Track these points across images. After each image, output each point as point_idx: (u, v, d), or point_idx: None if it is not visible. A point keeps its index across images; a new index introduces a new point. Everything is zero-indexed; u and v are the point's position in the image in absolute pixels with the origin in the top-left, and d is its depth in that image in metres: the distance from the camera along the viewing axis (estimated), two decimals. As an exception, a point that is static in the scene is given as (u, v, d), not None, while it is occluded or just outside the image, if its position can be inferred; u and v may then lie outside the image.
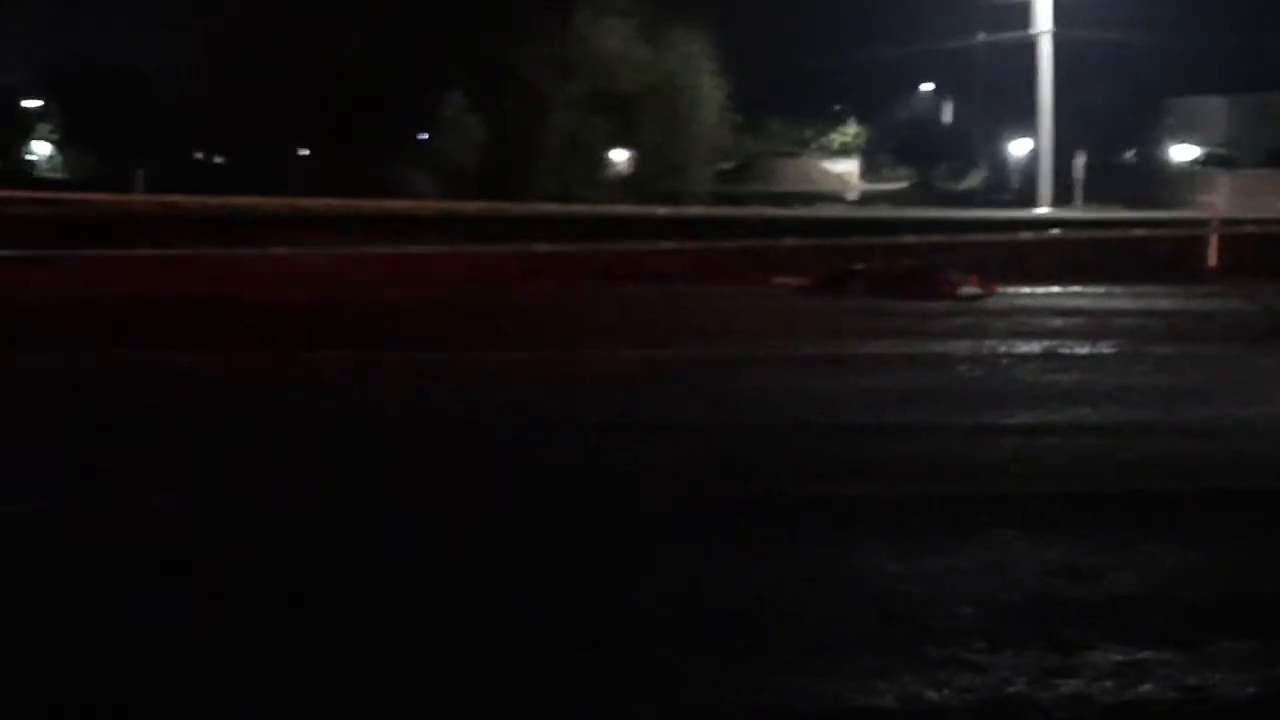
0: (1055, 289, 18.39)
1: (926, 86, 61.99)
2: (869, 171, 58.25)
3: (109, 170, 38.95)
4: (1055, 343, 12.90)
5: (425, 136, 41.11)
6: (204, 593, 5.23)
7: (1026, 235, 22.60)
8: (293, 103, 38.68)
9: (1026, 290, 18.05)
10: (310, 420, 8.75)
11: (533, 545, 5.91)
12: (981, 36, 43.54)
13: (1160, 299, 17.59)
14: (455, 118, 39.80)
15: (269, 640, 4.75)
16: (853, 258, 18.28)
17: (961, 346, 12.68)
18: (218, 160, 46.18)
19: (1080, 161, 43.75)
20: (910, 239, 19.19)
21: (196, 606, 5.06)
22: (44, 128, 51.57)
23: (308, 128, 40.27)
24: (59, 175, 47.74)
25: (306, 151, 42.71)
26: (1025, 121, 44.21)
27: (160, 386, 10.13)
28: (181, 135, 44.99)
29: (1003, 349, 12.57)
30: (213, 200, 21.14)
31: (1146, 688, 4.34)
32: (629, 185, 41.59)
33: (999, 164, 54.39)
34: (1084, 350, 12.46)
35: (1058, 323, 14.87)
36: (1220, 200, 26.28)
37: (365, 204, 21.39)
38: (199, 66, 40.75)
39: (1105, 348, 12.61)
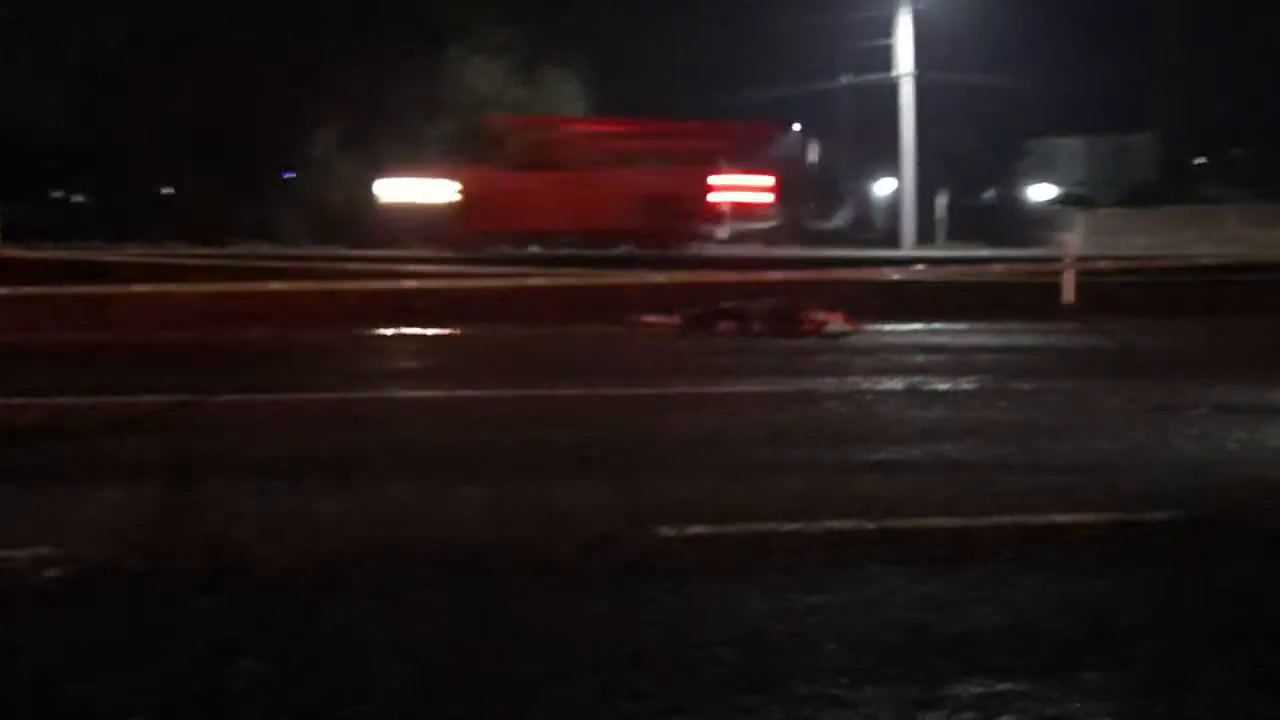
0: (918, 326, 18.71)
1: (794, 127, 62.81)
2: (738, 210, 58.74)
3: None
4: (919, 379, 13.10)
5: (293, 175, 40.71)
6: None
7: (890, 273, 23.01)
8: (156, 140, 38.04)
9: (890, 327, 18.34)
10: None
11: (395, 589, 5.82)
12: (845, 79, 44.32)
13: (1019, 335, 17.98)
14: (325, 157, 39.47)
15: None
16: (721, 296, 18.40)
17: (827, 383, 12.82)
18: (77, 199, 45.20)
19: (943, 201, 44.70)
20: (777, 276, 19.39)
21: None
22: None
23: (172, 166, 39.63)
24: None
25: (171, 190, 41.99)
26: (890, 162, 45.09)
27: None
28: (39, 173, 43.99)
29: (867, 385, 12.73)
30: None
31: (1005, 719, 4.39)
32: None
33: (864, 203, 55.32)
34: (946, 386, 12.67)
35: (921, 359, 15.11)
36: (1077, 239, 26.98)
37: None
38: (60, 103, 40.00)
39: (967, 384, 12.83)
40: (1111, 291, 20.63)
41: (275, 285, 17.50)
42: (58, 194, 45.98)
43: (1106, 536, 6.79)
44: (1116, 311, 19.35)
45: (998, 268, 22.18)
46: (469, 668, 4.86)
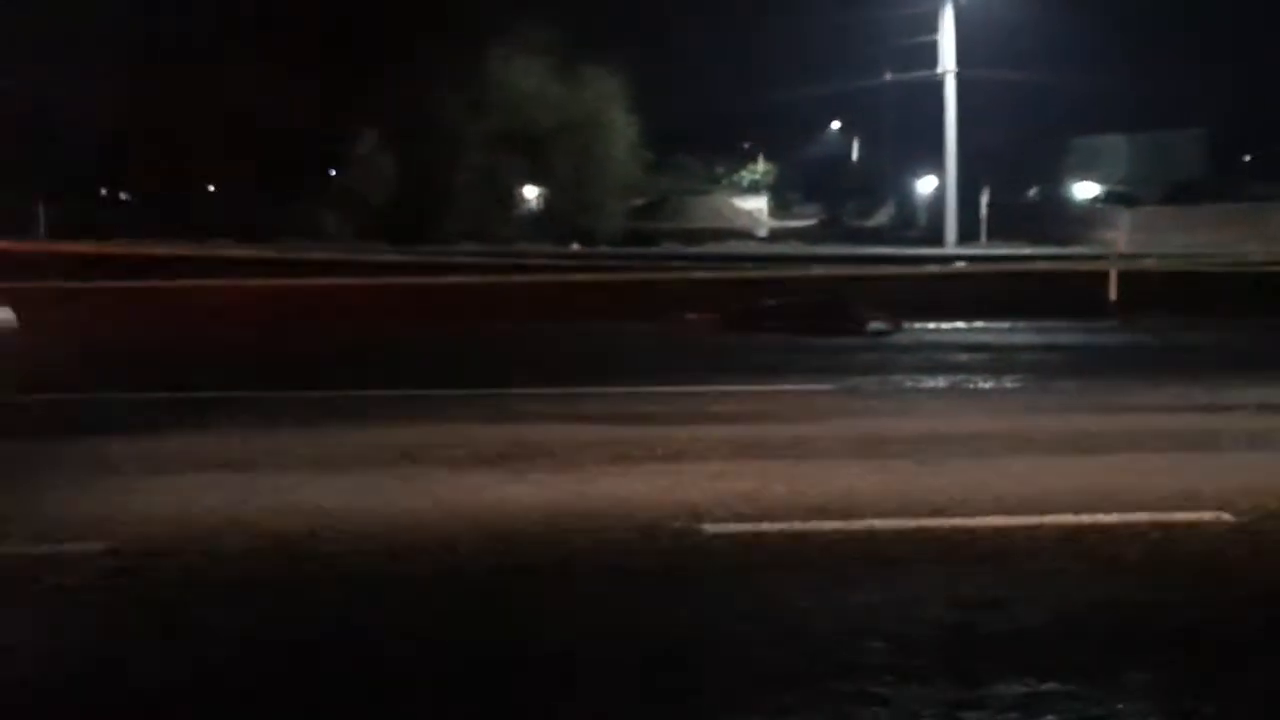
0: (961, 324, 18.65)
1: (835, 124, 62.69)
2: (779, 208, 58.71)
3: (9, 208, 38.28)
4: (961, 378, 13.07)
5: (336, 174, 40.93)
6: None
7: (933, 271, 22.94)
8: (201, 139, 38.34)
9: (933, 325, 18.29)
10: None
11: (439, 582, 5.87)
12: (888, 76, 44.14)
13: (1063, 334, 17.90)
14: (368, 156, 39.68)
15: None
16: (763, 293, 18.41)
17: (870, 382, 12.80)
18: (123, 197, 45.58)
19: (985, 199, 44.42)
20: (819, 273, 19.39)
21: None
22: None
23: (216, 164, 39.92)
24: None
25: (213, 189, 42.30)
26: (932, 159, 44.90)
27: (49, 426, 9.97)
28: (86, 172, 44.36)
29: (910, 384, 12.71)
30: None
31: (1050, 718, 4.39)
32: (542, 223, 41.66)
33: (906, 201, 55.09)
34: (989, 385, 12.64)
35: (964, 358, 15.07)
36: (1120, 236, 26.82)
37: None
38: (106, 102, 40.31)
39: (1010, 382, 12.79)
40: (1155, 289, 20.49)
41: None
42: (104, 191, 46.44)
43: (1150, 536, 6.76)
44: (1161, 309, 19.23)
45: (1041, 265, 22.07)
46: (506, 664, 4.90)
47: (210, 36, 39.39)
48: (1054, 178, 52.01)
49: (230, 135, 37.70)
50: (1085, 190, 51.74)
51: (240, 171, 38.73)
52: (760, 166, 60.04)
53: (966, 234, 42.86)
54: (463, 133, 39.72)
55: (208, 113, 37.74)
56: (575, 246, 35.95)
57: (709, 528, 6.79)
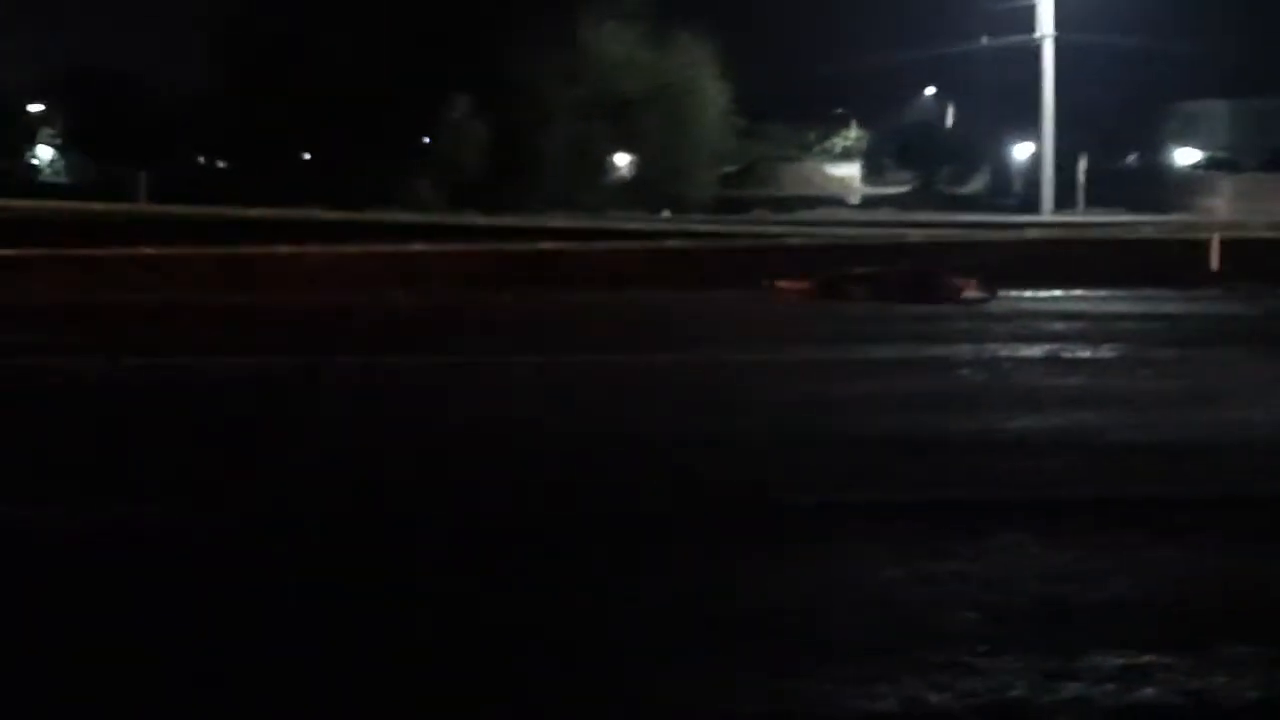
0: (1058, 292, 18.39)
1: (929, 90, 61.92)
2: (871, 175, 58.17)
3: (112, 174, 39.05)
4: (1058, 346, 12.90)
5: (428, 141, 41.12)
6: (209, 600, 5.23)
7: (1030, 238, 22.63)
8: (296, 107, 38.67)
9: (1029, 294, 18.06)
10: (319, 427, 8.76)
11: (535, 553, 5.91)
12: (984, 40, 43.51)
13: (1162, 302, 17.59)
14: (459, 122, 39.81)
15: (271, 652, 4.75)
16: (856, 261, 18.28)
17: (964, 350, 12.68)
18: (220, 165, 46.21)
19: (1083, 165, 43.74)
20: (914, 239, 19.23)
21: (200, 614, 5.07)
22: (46, 132, 51.51)
23: (311, 132, 40.25)
24: (61, 179, 47.81)
25: (309, 156, 42.68)
26: (1027, 125, 44.21)
27: (166, 392, 10.15)
28: (184, 140, 45.06)
29: (1005, 353, 12.58)
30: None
31: (1148, 691, 4.33)
32: (632, 189, 41.62)
33: (1001, 168, 54.35)
34: (1086, 354, 12.46)
35: (1060, 326, 14.87)
36: (1222, 204, 26.27)
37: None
38: (203, 71, 40.76)
39: (1108, 351, 12.61)
40: (1257, 259, 20.06)
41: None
42: (200, 159, 47.12)
43: (1250, 509, 6.65)
44: (1264, 278, 18.83)
45: (1140, 233, 21.71)
46: (600, 635, 4.93)
47: (303, 2, 39.66)
48: (1153, 144, 51.05)
49: (323, 102, 37.97)
50: (1185, 157, 50.74)
51: (334, 139, 39.01)
52: (852, 133, 59.47)
53: (1063, 201, 42.21)
54: (553, 100, 39.71)
55: (303, 80, 38.04)
56: (666, 214, 35.89)
57: (799, 496, 6.77)
